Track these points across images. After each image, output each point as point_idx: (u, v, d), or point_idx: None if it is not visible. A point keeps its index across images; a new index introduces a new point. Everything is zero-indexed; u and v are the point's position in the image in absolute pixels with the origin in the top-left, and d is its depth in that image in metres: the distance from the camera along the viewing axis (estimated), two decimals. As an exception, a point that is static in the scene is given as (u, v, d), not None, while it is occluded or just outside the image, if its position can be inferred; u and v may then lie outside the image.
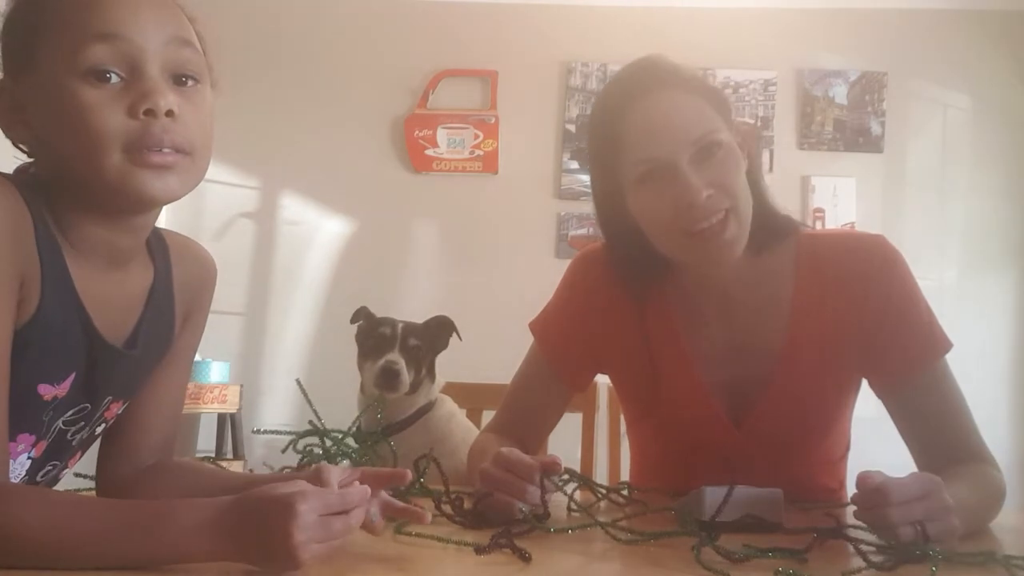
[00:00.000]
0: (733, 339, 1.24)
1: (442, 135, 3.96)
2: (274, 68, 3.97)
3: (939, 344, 1.20)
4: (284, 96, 3.98)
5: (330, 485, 0.84)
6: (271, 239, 3.97)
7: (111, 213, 0.88)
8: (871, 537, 0.88)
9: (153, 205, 0.88)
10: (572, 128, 3.97)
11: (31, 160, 0.89)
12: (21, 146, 0.89)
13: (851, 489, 1.34)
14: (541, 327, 1.37)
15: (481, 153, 3.96)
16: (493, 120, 3.97)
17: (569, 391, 1.37)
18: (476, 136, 3.96)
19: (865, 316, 1.20)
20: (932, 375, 1.20)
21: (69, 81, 0.81)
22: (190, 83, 0.87)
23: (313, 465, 1.01)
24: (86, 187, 0.84)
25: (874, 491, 0.88)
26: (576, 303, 1.33)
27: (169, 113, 0.82)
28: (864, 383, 1.30)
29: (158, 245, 1.00)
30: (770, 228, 1.22)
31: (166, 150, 0.82)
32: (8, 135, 0.88)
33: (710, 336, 1.25)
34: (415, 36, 4.00)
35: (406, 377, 1.81)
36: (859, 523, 0.90)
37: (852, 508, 0.91)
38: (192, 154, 0.85)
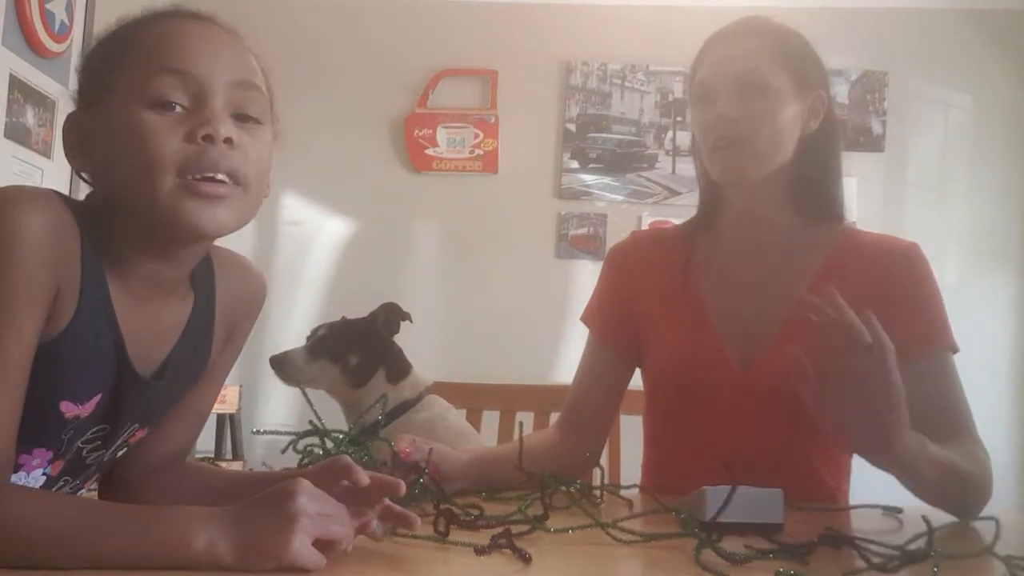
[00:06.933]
0: (751, 294, 1.32)
1: (442, 134, 3.96)
2: (273, 68, 3.95)
3: (946, 337, 1.26)
4: (283, 96, 3.96)
5: (354, 473, 0.84)
6: (271, 239, 3.97)
7: (159, 243, 0.87)
8: (873, 538, 0.88)
9: (201, 237, 0.86)
10: (572, 127, 3.96)
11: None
12: (84, 175, 0.89)
13: (852, 492, 1.35)
14: (585, 310, 1.49)
15: (481, 153, 3.95)
16: (493, 120, 3.96)
17: (614, 356, 1.43)
18: (476, 136, 3.96)
19: (880, 296, 1.24)
20: (935, 364, 1.24)
21: (134, 108, 0.82)
22: (251, 123, 0.88)
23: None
24: (137, 214, 0.83)
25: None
26: (607, 272, 1.47)
27: (227, 141, 0.83)
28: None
29: (203, 268, 0.97)
30: (810, 196, 1.34)
31: (220, 177, 0.82)
32: (72, 164, 0.88)
33: (730, 290, 1.34)
34: (415, 36, 4.00)
35: (292, 360, 2.07)
36: (858, 529, 0.90)
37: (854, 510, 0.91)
38: (246, 187, 0.85)
